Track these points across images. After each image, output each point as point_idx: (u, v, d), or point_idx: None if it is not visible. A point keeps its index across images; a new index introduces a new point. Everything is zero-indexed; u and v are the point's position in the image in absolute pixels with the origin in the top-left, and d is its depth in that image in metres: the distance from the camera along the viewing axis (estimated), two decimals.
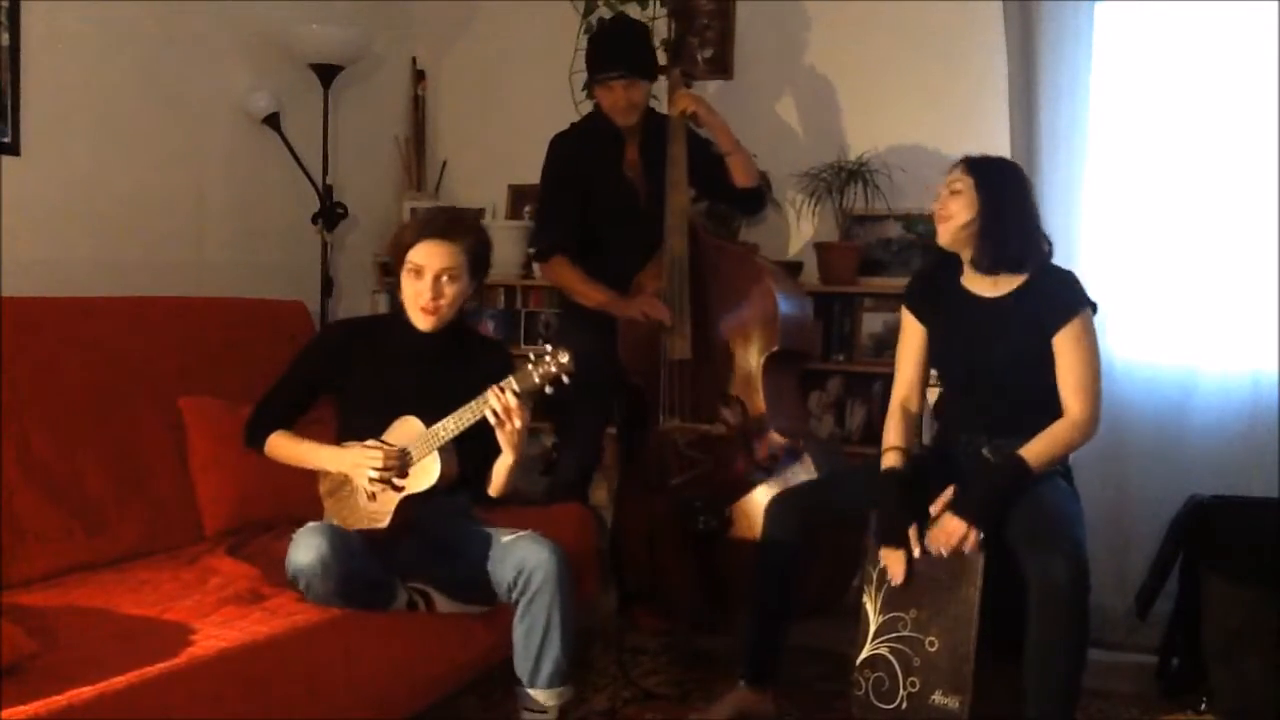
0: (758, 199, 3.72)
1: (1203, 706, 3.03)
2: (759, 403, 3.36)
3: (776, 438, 3.31)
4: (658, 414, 3.42)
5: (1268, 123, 3.38)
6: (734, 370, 3.41)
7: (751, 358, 3.39)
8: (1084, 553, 2.49)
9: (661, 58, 3.68)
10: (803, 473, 3.22)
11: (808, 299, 3.68)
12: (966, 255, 2.77)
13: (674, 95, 3.55)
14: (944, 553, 2.57)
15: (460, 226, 2.70)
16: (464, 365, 2.71)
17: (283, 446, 2.73)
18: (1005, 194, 2.73)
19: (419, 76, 4.62)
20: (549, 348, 2.50)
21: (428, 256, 2.64)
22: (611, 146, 3.57)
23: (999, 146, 3.59)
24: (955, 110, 3.87)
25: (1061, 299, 2.70)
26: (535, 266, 4.02)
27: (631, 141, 3.59)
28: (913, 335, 2.89)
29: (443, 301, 2.64)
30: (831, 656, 3.15)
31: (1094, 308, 2.73)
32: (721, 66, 4.22)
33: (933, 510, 2.63)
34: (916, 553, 2.63)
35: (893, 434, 2.83)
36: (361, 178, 4.35)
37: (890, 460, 2.78)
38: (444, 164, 4.65)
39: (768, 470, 3.27)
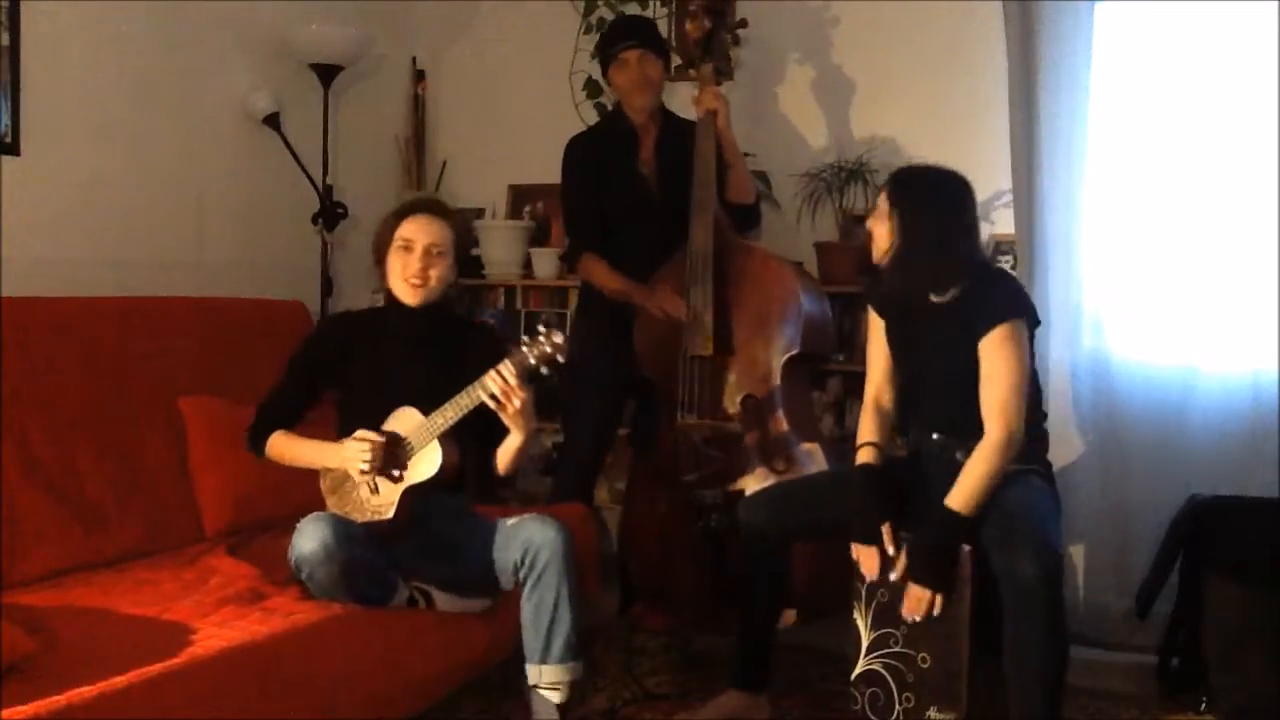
0: (747, 217, 3.62)
1: (1203, 706, 3.02)
2: (776, 405, 3.33)
3: (799, 444, 3.28)
4: (673, 410, 3.40)
5: (1268, 122, 3.37)
6: (753, 370, 3.38)
7: (773, 359, 3.36)
8: (1054, 548, 2.45)
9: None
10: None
11: (826, 299, 3.60)
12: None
13: (703, 91, 3.52)
14: (918, 619, 2.56)
15: (447, 206, 2.83)
16: (457, 350, 2.73)
17: (282, 447, 2.73)
18: (921, 223, 2.65)
19: (419, 76, 4.62)
20: (542, 329, 2.52)
21: (418, 231, 2.70)
22: (626, 143, 3.58)
23: (999, 146, 3.60)
24: (955, 110, 3.87)
25: (991, 305, 2.61)
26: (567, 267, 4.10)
27: (646, 139, 3.59)
28: (878, 331, 2.87)
29: (432, 273, 2.69)
30: (831, 656, 3.14)
31: (1032, 321, 2.64)
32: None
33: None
34: (890, 551, 2.61)
35: (866, 430, 2.80)
36: (361, 178, 4.34)
37: (863, 456, 2.75)
38: (444, 164, 4.65)
39: (782, 473, 3.25)
